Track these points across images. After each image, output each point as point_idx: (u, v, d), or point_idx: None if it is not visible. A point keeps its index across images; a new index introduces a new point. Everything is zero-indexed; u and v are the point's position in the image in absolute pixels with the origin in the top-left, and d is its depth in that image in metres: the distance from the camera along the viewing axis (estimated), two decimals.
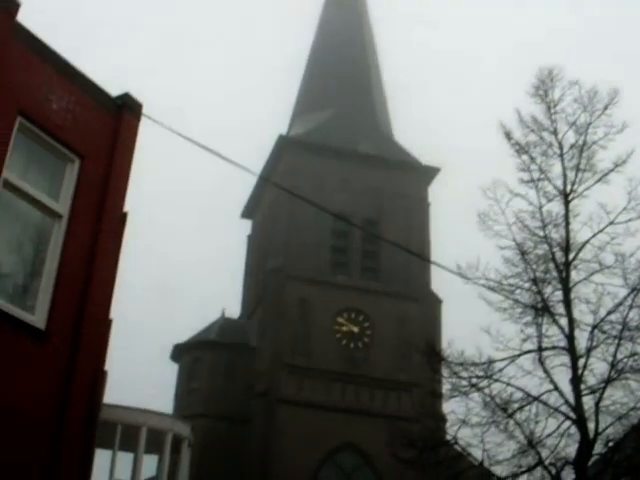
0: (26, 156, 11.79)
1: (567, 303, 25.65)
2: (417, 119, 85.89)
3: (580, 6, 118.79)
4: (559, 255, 26.35)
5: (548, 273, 26.43)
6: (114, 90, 13.48)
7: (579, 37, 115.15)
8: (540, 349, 25.62)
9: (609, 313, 25.33)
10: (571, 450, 25.07)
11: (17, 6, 11.77)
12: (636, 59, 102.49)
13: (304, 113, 56.33)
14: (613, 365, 24.83)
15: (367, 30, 61.25)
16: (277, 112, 74.03)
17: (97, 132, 12.97)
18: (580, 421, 24.39)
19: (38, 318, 11.33)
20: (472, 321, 27.60)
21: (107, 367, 22.02)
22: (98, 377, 12.99)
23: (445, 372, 27.60)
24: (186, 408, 45.66)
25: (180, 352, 49.00)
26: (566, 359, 25.28)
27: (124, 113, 13.43)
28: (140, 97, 13.75)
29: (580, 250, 26.29)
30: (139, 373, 68.43)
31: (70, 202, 12.17)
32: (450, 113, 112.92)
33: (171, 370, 49.31)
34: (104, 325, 13.27)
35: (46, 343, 11.30)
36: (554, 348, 25.68)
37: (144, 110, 13.83)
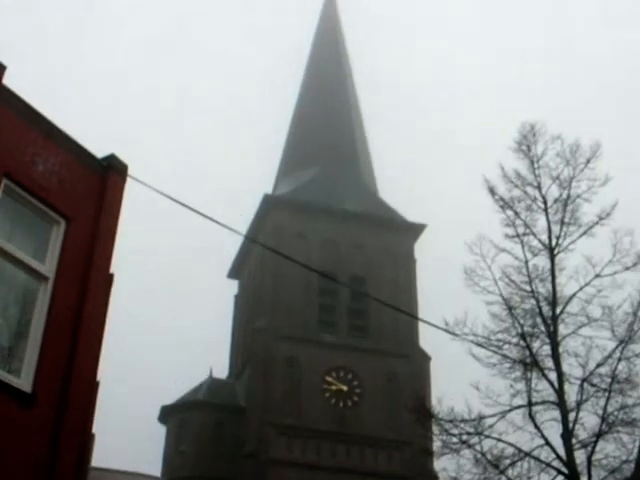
0: (12, 218, 11.78)
1: (556, 357, 25.62)
2: (402, 176, 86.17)
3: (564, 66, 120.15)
4: (546, 309, 26.37)
5: (536, 327, 26.44)
6: (100, 151, 13.53)
7: (561, 93, 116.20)
8: (530, 404, 25.54)
9: (598, 366, 25.33)
10: None
11: (3, 69, 11.82)
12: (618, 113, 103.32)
13: (289, 172, 56.52)
14: (604, 418, 24.76)
15: (351, 88, 61.68)
16: (262, 171, 74.40)
17: (83, 194, 12.97)
18: (572, 476, 24.25)
19: (24, 381, 11.23)
20: (461, 377, 27.56)
21: (95, 429, 21.84)
22: (86, 440, 12.87)
23: (435, 429, 27.46)
24: (175, 470, 45.17)
25: (168, 413, 48.56)
26: (556, 413, 25.22)
27: (110, 174, 13.45)
28: (126, 158, 13.79)
29: (567, 304, 26.33)
30: (127, 435, 67.86)
31: (56, 264, 12.14)
32: (435, 169, 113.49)
33: (159, 432, 48.89)
34: (91, 387, 13.15)
35: (33, 406, 11.19)
36: (544, 403, 25.62)
37: (130, 171, 13.85)
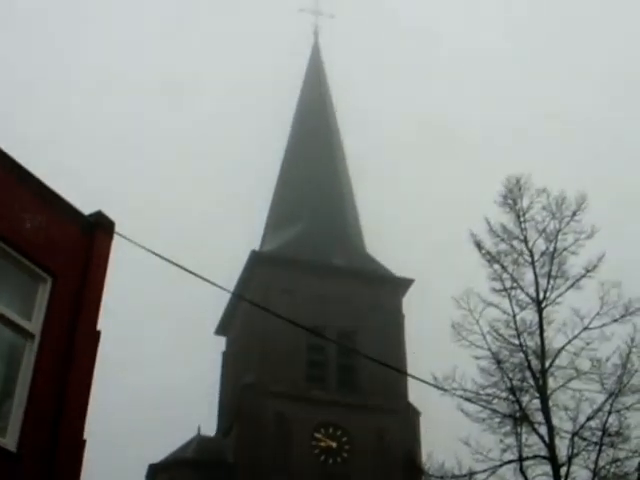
0: None
1: (546, 411, 25.52)
2: (389, 230, 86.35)
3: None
4: (535, 363, 26.32)
5: (525, 381, 26.36)
6: (87, 205, 13.52)
7: (547, 142, 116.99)
8: (521, 459, 25.40)
9: (588, 419, 25.24)
10: None
11: None
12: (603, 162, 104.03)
13: (277, 227, 56.63)
14: (595, 472, 24.62)
15: (338, 144, 62.00)
16: (250, 227, 74.33)
17: (70, 251, 12.96)
18: None
19: (9, 440, 11.12)
20: (451, 432, 27.40)
21: None
22: None
23: None
24: None
25: (155, 472, 48.06)
26: (548, 468, 25.09)
27: (97, 231, 13.45)
28: (113, 214, 13.79)
29: (556, 357, 26.29)
30: None
31: (42, 321, 12.09)
32: (421, 223, 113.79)
33: None
34: (78, 446, 13.02)
35: (18, 465, 11.07)
36: (535, 457, 25.48)
37: (117, 228, 13.85)
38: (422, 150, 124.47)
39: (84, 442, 17.24)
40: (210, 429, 53.08)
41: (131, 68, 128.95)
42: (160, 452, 49.23)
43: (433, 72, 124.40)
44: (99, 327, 13.91)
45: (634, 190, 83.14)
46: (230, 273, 53.17)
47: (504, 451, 25.75)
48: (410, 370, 46.61)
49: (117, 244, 13.91)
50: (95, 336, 13.91)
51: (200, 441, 49.13)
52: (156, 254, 14.09)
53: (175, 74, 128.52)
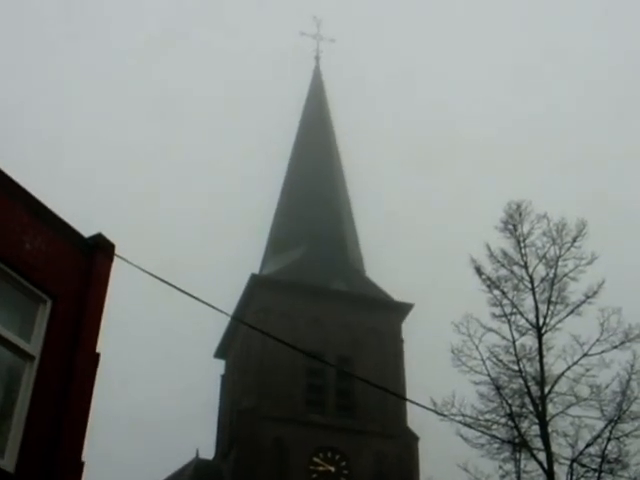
0: None
1: (545, 437, 25.48)
2: (389, 255, 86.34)
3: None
4: (534, 389, 26.30)
5: (524, 407, 26.34)
6: (87, 230, 13.53)
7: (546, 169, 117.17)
8: None
9: (587, 446, 25.21)
10: None
11: None
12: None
13: (276, 251, 56.67)
14: None
15: (338, 168, 62.12)
16: (249, 251, 74.33)
17: (70, 272, 12.96)
18: None
19: (7, 462, 11.09)
20: (450, 458, 27.34)
21: None
22: None
23: None
24: None
25: None
26: None
27: (97, 253, 13.45)
28: (113, 236, 13.80)
29: (555, 383, 26.27)
30: None
31: (42, 343, 12.08)
32: (421, 249, 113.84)
33: None
34: (76, 468, 12.99)
35: None
36: None
37: (117, 250, 13.86)
38: (423, 172, 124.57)
39: (83, 464, 17.22)
40: (208, 452, 52.96)
41: (128, 81, 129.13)
42: (158, 475, 49.12)
43: (432, 91, 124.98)
44: (98, 349, 13.92)
45: (635, 214, 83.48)
46: (230, 296, 53.19)
47: (503, 477, 25.73)
48: (409, 395, 46.53)
49: (117, 264, 13.93)
50: (94, 358, 13.89)
51: (198, 464, 49.03)
52: (156, 277, 14.11)
53: (174, 91, 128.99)
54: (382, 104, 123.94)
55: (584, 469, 25.01)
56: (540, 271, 27.64)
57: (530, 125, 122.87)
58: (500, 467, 25.84)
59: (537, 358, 26.69)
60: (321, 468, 45.57)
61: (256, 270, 55.37)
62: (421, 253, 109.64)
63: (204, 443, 55.73)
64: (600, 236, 30.21)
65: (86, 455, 14.53)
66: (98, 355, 14.58)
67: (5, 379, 11.93)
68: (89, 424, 13.16)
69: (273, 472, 44.73)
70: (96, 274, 13.38)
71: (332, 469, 45.73)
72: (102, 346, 14.12)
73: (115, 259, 13.88)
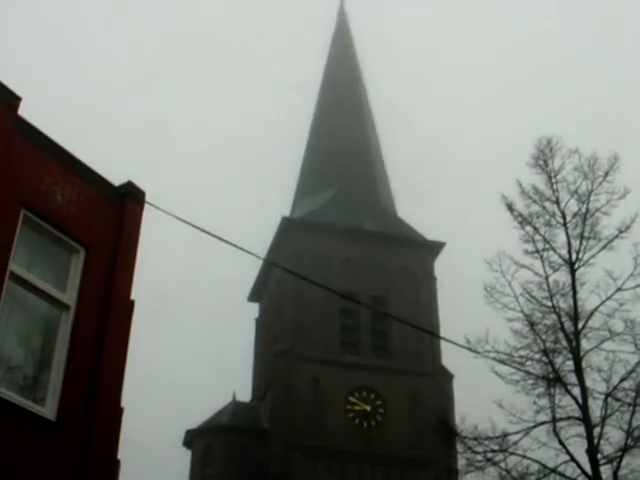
0: (31, 248, 11.86)
1: (579, 372, 25.48)
2: (420, 194, 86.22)
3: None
4: (568, 324, 26.24)
5: (558, 343, 26.31)
6: (117, 179, 13.60)
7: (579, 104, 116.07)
8: (554, 420, 25.40)
9: (622, 380, 25.17)
10: None
11: (18, 100, 11.92)
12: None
13: (307, 193, 56.62)
14: (629, 433, 24.59)
15: (367, 108, 61.82)
16: (280, 194, 74.37)
17: (101, 222, 13.05)
18: None
19: (49, 410, 11.28)
20: (484, 395, 27.44)
21: (120, 455, 21.83)
22: (112, 467, 12.88)
23: (460, 447, 27.35)
24: None
25: (192, 438, 48.55)
26: (581, 429, 25.07)
27: (128, 202, 13.51)
28: (143, 185, 13.86)
29: (589, 318, 26.19)
30: (152, 460, 67.70)
31: (77, 292, 12.21)
32: (452, 186, 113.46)
33: (184, 456, 48.86)
34: (116, 414, 13.19)
35: (58, 434, 11.24)
36: (568, 418, 25.47)
37: (147, 198, 13.91)
38: (454, 109, 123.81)
39: (122, 410, 17.46)
40: (245, 395, 53.49)
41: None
42: (196, 419, 49.70)
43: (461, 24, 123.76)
44: (133, 296, 14.05)
45: None
46: (262, 240, 53.38)
47: (537, 413, 25.77)
48: (442, 333, 46.72)
49: (148, 213, 14.00)
50: (129, 305, 14.04)
51: (235, 407, 49.54)
52: (187, 222, 14.17)
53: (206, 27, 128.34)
54: (409, 42, 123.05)
55: (618, 403, 25.02)
56: (572, 206, 27.43)
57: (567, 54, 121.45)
58: (534, 403, 25.89)
59: (570, 294, 26.58)
60: (357, 407, 45.97)
61: (287, 213, 55.41)
62: (452, 192, 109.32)
63: (241, 386, 56.30)
64: (633, 169, 29.91)
65: (125, 401, 14.76)
66: (133, 302, 14.73)
67: (42, 330, 12.09)
68: (127, 370, 13.34)
69: (309, 413, 45.16)
70: (127, 222, 13.46)
71: (368, 408, 46.10)
72: (136, 294, 14.27)
73: (146, 206, 13.93)
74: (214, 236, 14.49)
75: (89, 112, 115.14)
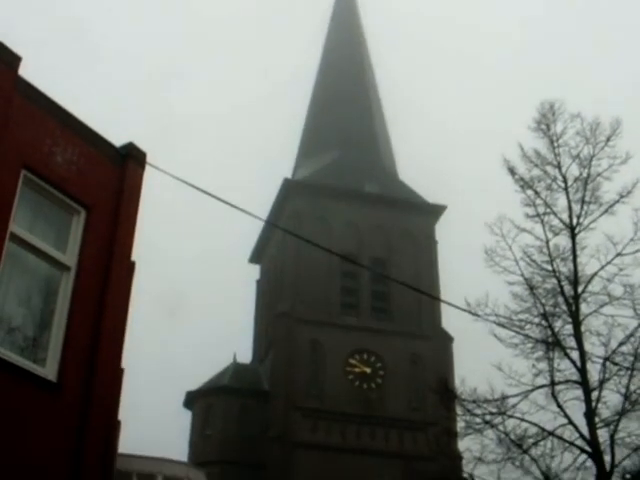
0: (32, 209, 11.86)
1: (578, 336, 25.56)
2: (422, 157, 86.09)
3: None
4: (568, 289, 26.29)
5: (557, 307, 26.37)
6: (118, 140, 13.57)
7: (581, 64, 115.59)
8: (553, 383, 25.51)
9: (620, 345, 25.26)
10: None
11: (19, 60, 11.86)
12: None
13: (308, 155, 56.56)
14: (627, 397, 24.71)
15: (370, 71, 61.61)
16: (282, 155, 74.26)
17: (102, 183, 13.02)
18: (596, 454, 24.23)
19: (49, 370, 11.32)
20: (484, 358, 27.54)
21: (121, 416, 21.97)
22: (112, 427, 12.97)
23: (459, 410, 27.48)
24: (201, 455, 45.46)
25: (193, 399, 48.86)
26: (579, 392, 25.19)
27: (129, 163, 13.48)
28: (144, 146, 13.82)
29: (589, 283, 26.23)
30: (153, 421, 68.18)
31: (77, 253, 12.20)
32: (454, 150, 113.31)
33: (185, 417, 49.19)
34: (116, 375, 13.26)
35: (58, 395, 11.29)
36: (567, 382, 25.58)
37: (148, 159, 13.88)
38: (458, 74, 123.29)
39: (122, 371, 17.57)
40: (246, 357, 53.75)
41: None
42: (197, 380, 49.99)
43: None
44: (133, 257, 14.06)
45: None
46: (263, 202, 53.41)
47: (536, 376, 25.86)
48: (443, 296, 46.89)
49: (149, 173, 13.97)
50: (130, 267, 14.06)
51: (236, 368, 49.82)
52: (188, 184, 14.13)
53: None
54: (412, 6, 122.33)
55: (616, 367, 25.11)
56: (573, 171, 27.38)
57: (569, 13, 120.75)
58: (533, 366, 25.97)
59: (570, 258, 26.61)
60: (357, 369, 46.20)
61: (289, 175, 55.36)
62: (454, 155, 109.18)
63: (241, 348, 56.62)
64: (635, 135, 29.83)
65: (126, 362, 14.84)
66: (133, 264, 14.75)
67: (43, 290, 12.10)
68: (127, 332, 13.39)
69: (309, 375, 45.40)
70: (128, 183, 13.42)
71: (367, 370, 46.34)
72: (137, 256, 14.30)
73: (147, 168, 13.90)
74: (215, 197, 14.47)
75: (90, 71, 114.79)
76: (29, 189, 11.73)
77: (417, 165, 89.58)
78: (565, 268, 26.64)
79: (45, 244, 11.78)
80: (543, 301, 26.48)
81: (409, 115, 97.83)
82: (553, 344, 25.81)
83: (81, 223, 12.44)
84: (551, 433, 25.38)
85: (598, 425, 24.64)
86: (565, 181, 27.30)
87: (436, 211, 53.10)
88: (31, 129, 11.97)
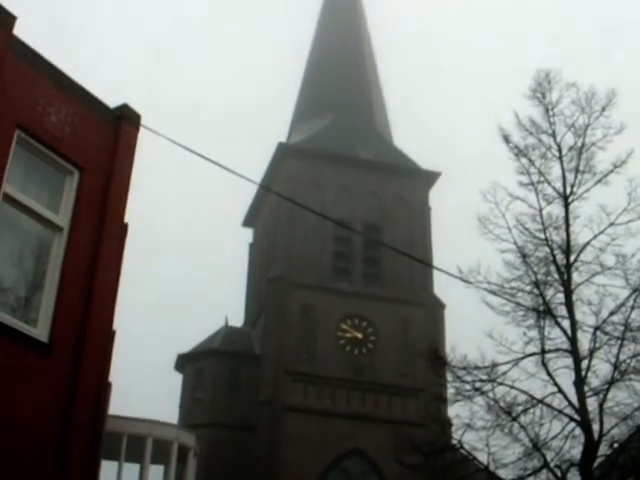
0: (25, 169, 11.80)
1: (569, 305, 25.66)
2: (417, 124, 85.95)
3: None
4: (560, 257, 26.36)
5: (549, 275, 26.45)
6: (112, 102, 13.51)
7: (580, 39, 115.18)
8: (543, 352, 25.65)
9: (611, 314, 25.36)
10: (576, 452, 25.14)
11: (13, 19, 11.77)
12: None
13: (303, 120, 56.38)
14: (616, 366, 24.85)
15: (365, 36, 61.30)
16: (276, 119, 74.06)
17: (96, 144, 12.97)
18: (584, 423, 24.40)
19: (41, 331, 11.32)
20: (475, 325, 27.65)
21: (111, 378, 22.03)
22: (102, 388, 12.97)
23: (449, 376, 27.61)
24: (191, 418, 45.63)
25: (184, 362, 48.97)
26: (569, 361, 25.32)
27: (123, 124, 13.42)
28: (139, 107, 13.77)
29: (581, 252, 26.31)
30: (144, 383, 68.44)
31: (70, 214, 12.16)
32: (450, 117, 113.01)
33: (176, 380, 49.34)
34: (107, 336, 13.25)
35: (49, 356, 11.29)
36: (557, 350, 25.72)
37: (142, 121, 13.82)
38: (454, 40, 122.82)
39: (114, 333, 17.60)
40: (238, 320, 53.84)
41: None
42: (189, 343, 50.09)
43: None
44: (127, 220, 14.04)
45: None
46: (258, 165, 53.33)
47: (527, 344, 25.99)
48: (435, 263, 47.01)
49: (144, 137, 13.93)
50: (123, 228, 14.03)
51: (227, 332, 49.90)
52: (183, 146, 14.11)
53: None
54: None
55: (607, 337, 25.24)
56: (568, 140, 27.37)
57: None
58: (524, 334, 26.09)
59: (563, 227, 26.66)
60: (348, 335, 46.33)
61: (283, 139, 55.23)
62: (449, 122, 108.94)
63: (233, 311, 56.67)
64: (630, 106, 29.79)
65: (117, 324, 14.85)
66: (126, 225, 14.72)
67: (35, 251, 12.08)
68: (120, 294, 13.39)
69: (301, 339, 45.52)
70: (122, 144, 13.37)
71: (359, 336, 46.47)
72: (130, 218, 14.27)
73: (142, 130, 13.84)
74: (210, 160, 14.45)
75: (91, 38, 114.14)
76: (23, 149, 11.67)
77: (412, 132, 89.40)
78: (558, 237, 26.72)
79: (38, 205, 11.73)
80: (535, 269, 26.57)
81: (406, 82, 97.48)
82: (544, 312, 25.91)
83: (74, 184, 12.39)
84: (540, 401, 25.54)
85: (587, 394, 24.80)
86: (559, 150, 27.31)
87: (430, 178, 53.04)
88: (25, 89, 11.89)
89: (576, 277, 26.16)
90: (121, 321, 15.50)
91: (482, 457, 26.53)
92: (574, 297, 25.79)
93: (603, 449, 24.70)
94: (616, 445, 24.80)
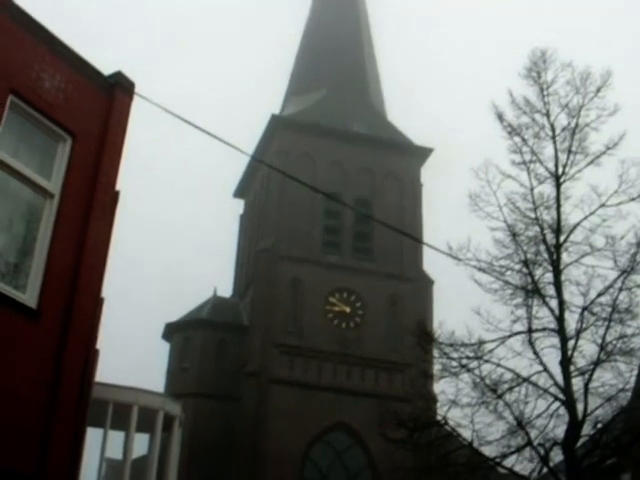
0: (18, 135, 11.75)
1: (557, 285, 25.76)
2: (410, 99, 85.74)
3: None
4: (550, 237, 26.43)
5: (539, 255, 26.52)
6: (106, 69, 13.45)
7: (575, 20, 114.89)
8: (530, 330, 25.76)
9: (599, 295, 25.47)
10: (560, 431, 25.32)
11: None
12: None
13: (297, 93, 56.24)
14: (602, 347, 24.98)
15: (361, 9, 61.03)
16: (270, 92, 73.80)
17: (90, 111, 12.92)
18: (569, 402, 24.55)
19: (29, 297, 11.30)
20: (463, 302, 27.72)
21: (99, 346, 22.10)
22: (90, 356, 13.00)
23: (436, 352, 27.73)
24: (177, 387, 45.72)
25: (172, 331, 49.02)
26: (556, 341, 25.45)
27: (116, 92, 13.37)
28: (133, 76, 13.71)
29: (571, 232, 26.37)
30: (131, 352, 68.49)
31: (62, 181, 12.12)
32: (444, 94, 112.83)
33: (163, 349, 49.41)
34: (96, 304, 13.25)
35: (37, 322, 11.28)
36: (544, 330, 25.83)
37: (136, 89, 13.77)
38: (450, 18, 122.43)
39: (102, 300, 17.62)
40: (226, 291, 53.88)
41: None
42: (177, 312, 50.12)
43: None
44: (118, 187, 14.01)
45: None
46: (250, 137, 53.18)
47: (514, 322, 26.10)
48: (425, 239, 47.02)
49: (137, 105, 13.89)
50: (114, 196, 14.02)
51: (216, 302, 49.96)
52: (176, 115, 14.06)
53: None
54: None
55: (594, 317, 25.34)
56: (562, 120, 27.38)
57: None
58: (512, 312, 26.18)
59: (554, 206, 26.71)
60: (336, 308, 46.41)
61: (277, 111, 55.09)
62: (443, 98, 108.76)
63: (222, 282, 56.66)
64: (625, 87, 29.76)
65: (106, 292, 14.86)
66: (117, 193, 14.72)
67: (26, 217, 12.04)
68: (109, 262, 13.39)
69: (289, 311, 45.60)
70: (116, 112, 13.32)
71: (347, 309, 46.56)
72: (122, 184, 14.25)
73: (135, 98, 13.80)
74: (202, 130, 14.41)
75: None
76: (15, 114, 11.61)
77: (406, 107, 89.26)
78: (548, 217, 26.77)
79: (30, 170, 11.68)
80: (525, 248, 26.64)
81: (400, 58, 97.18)
82: (532, 291, 26.00)
83: (67, 150, 12.34)
84: (526, 379, 25.68)
85: (573, 374, 24.95)
86: (553, 130, 27.33)
87: (423, 153, 53.00)
88: (19, 54, 11.82)
89: (565, 257, 26.27)
90: (110, 288, 15.50)
91: (466, 434, 26.71)
92: (563, 277, 25.89)
93: (587, 429, 24.91)
94: (600, 425, 24.97)
